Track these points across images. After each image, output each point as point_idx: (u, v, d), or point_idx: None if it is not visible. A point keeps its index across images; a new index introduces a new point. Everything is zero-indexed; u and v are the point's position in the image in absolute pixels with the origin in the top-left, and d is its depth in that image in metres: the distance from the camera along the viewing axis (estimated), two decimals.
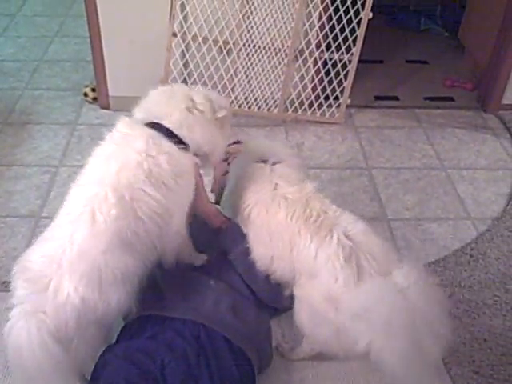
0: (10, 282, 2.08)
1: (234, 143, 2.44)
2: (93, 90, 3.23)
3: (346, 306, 1.56)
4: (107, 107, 3.22)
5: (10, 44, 3.88)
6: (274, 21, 2.87)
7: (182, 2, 2.80)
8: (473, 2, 3.85)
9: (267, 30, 2.90)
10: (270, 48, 2.95)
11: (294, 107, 3.13)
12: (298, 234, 1.66)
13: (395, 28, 4.28)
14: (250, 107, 3.11)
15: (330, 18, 2.90)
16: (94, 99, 3.24)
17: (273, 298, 1.86)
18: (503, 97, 3.35)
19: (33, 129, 3.05)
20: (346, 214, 1.72)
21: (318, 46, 2.96)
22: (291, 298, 1.77)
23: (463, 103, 3.49)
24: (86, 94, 3.24)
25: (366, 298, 1.54)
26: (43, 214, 2.51)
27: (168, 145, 1.61)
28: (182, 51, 2.93)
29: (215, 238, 1.92)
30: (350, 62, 3.01)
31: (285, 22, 2.88)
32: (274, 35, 2.91)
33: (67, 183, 2.63)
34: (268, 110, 3.11)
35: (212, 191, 2.20)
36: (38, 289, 1.47)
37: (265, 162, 1.89)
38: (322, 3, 2.85)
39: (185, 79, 2.99)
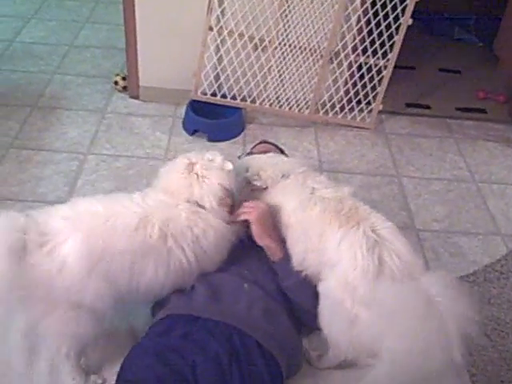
0: None
1: (260, 143, 2.41)
2: (123, 78, 3.21)
3: (363, 296, 1.58)
4: (137, 97, 3.20)
5: (41, 27, 3.87)
6: (312, 21, 2.83)
7: None
8: (510, 13, 3.79)
9: (304, 29, 2.86)
10: (305, 48, 2.91)
11: (325, 109, 3.09)
12: (328, 224, 1.71)
13: (428, 35, 4.23)
14: (280, 106, 3.07)
15: (368, 22, 2.86)
16: (124, 88, 3.22)
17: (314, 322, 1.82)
18: None
19: (62, 114, 3.04)
20: (375, 213, 1.75)
21: (354, 49, 2.92)
22: None
23: (495, 116, 3.44)
24: (116, 83, 3.22)
25: (392, 297, 1.53)
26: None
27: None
28: (217, 46, 2.90)
29: (258, 248, 1.89)
30: (385, 67, 2.97)
31: (323, 23, 2.83)
32: (311, 36, 2.87)
33: (95, 172, 2.69)
34: (299, 110, 3.08)
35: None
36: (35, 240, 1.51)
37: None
38: (361, 6, 2.80)
39: (218, 74, 2.96)
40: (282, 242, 1.84)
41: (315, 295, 1.77)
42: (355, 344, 1.69)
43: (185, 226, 1.67)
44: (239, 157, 2.28)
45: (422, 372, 1.53)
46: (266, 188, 1.91)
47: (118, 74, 3.24)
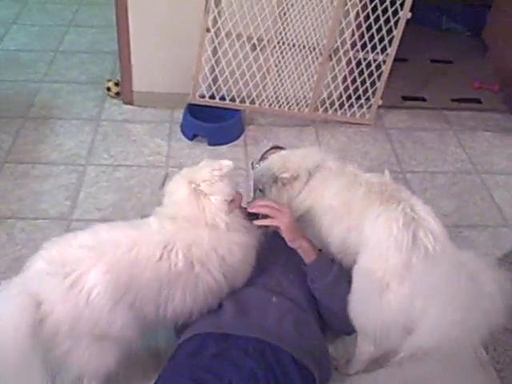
0: None
1: (272, 148, 2.35)
2: (116, 84, 3.12)
3: (395, 267, 1.57)
4: (131, 103, 3.12)
5: (23, 33, 3.74)
6: (311, 18, 2.77)
7: None
8: (498, 3, 3.80)
9: (303, 27, 2.80)
10: (304, 46, 2.86)
11: (324, 107, 3.05)
12: (370, 203, 1.71)
13: (417, 26, 4.20)
14: (280, 106, 3.02)
15: (367, 17, 2.82)
16: (117, 94, 3.13)
17: (341, 325, 1.81)
18: None
19: (55, 124, 2.93)
20: (416, 198, 1.75)
21: (353, 45, 2.88)
22: None
23: (490, 105, 3.45)
24: (108, 89, 3.12)
25: (430, 272, 1.51)
26: (74, 217, 2.40)
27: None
28: (215, 47, 2.82)
29: (281, 254, 1.85)
30: (384, 62, 2.94)
31: (321, 20, 2.78)
32: (310, 33, 2.82)
33: (96, 183, 2.60)
34: (298, 109, 3.03)
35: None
36: (57, 271, 1.45)
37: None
38: (360, 1, 2.76)
39: (216, 76, 2.89)
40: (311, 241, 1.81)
41: (345, 297, 1.72)
42: (386, 320, 1.62)
43: (209, 248, 1.61)
44: (252, 163, 2.22)
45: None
46: (296, 178, 1.86)
47: (109, 80, 3.14)
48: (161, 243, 1.56)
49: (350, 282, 1.71)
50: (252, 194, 2.09)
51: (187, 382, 1.49)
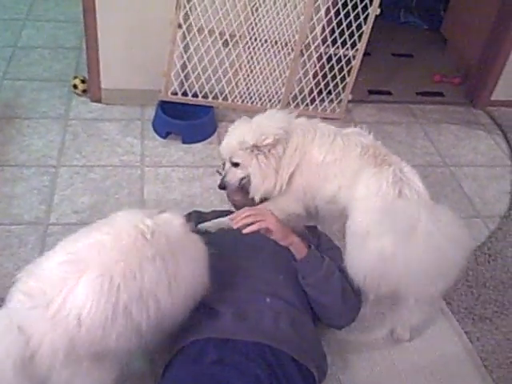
0: None
1: None
2: (82, 81, 3.02)
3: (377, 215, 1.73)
4: (99, 100, 3.03)
5: None
6: (283, 14, 2.77)
7: None
8: None
9: (275, 23, 2.80)
10: (276, 42, 2.86)
11: (296, 102, 3.07)
12: (365, 164, 1.86)
13: (376, 19, 4.27)
14: (252, 102, 3.01)
15: (337, 13, 2.84)
16: (84, 91, 3.03)
17: (333, 318, 1.86)
18: (492, 94, 3.44)
19: (21, 124, 2.82)
20: (404, 162, 1.92)
21: (324, 40, 2.91)
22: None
23: (453, 98, 3.56)
24: (75, 86, 3.02)
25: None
26: (51, 221, 2.33)
27: None
28: (187, 44, 2.78)
29: (269, 256, 1.85)
30: (354, 57, 2.98)
31: (293, 16, 2.79)
32: (282, 29, 2.82)
33: (70, 186, 2.52)
34: (271, 105, 3.03)
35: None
36: (38, 303, 1.33)
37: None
38: None
39: (188, 73, 2.85)
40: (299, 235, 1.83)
41: (336, 291, 1.79)
42: (369, 265, 1.76)
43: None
44: (218, 171, 2.21)
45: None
46: (278, 141, 1.90)
47: (76, 77, 3.04)
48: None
49: (338, 274, 1.79)
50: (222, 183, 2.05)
51: None
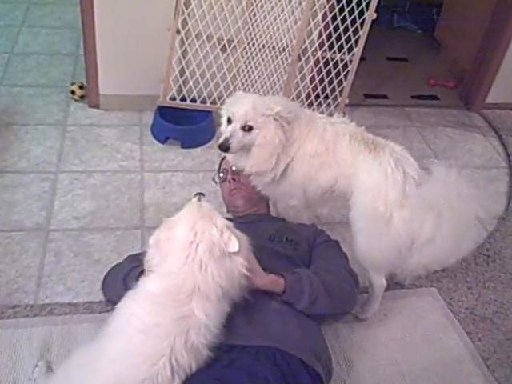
0: (32, 306, 1.97)
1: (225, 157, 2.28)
2: (80, 87, 3.02)
3: (395, 199, 1.83)
4: (97, 106, 3.04)
5: None
6: (280, 19, 2.79)
7: None
8: (450, 1, 3.95)
9: (273, 29, 2.82)
10: (274, 47, 2.88)
11: None
12: (359, 152, 1.92)
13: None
14: None
15: (333, 18, 2.87)
16: (82, 97, 3.04)
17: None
18: (487, 96, 3.48)
19: (19, 130, 2.81)
20: (390, 141, 2.02)
21: (321, 45, 2.93)
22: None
23: (447, 101, 3.60)
24: (73, 92, 3.02)
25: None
26: (52, 227, 2.32)
27: None
28: (185, 49, 2.79)
29: (271, 260, 1.83)
30: (350, 61, 3.00)
31: (290, 22, 2.81)
32: (279, 34, 2.84)
33: (70, 191, 2.52)
34: None
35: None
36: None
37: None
38: (327, 3, 2.81)
39: (186, 78, 2.86)
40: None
41: (328, 303, 1.74)
42: (396, 245, 1.87)
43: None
44: (213, 179, 2.23)
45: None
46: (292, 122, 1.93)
47: (73, 83, 3.04)
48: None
49: (324, 283, 1.72)
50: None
51: None
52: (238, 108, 1.91)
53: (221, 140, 1.93)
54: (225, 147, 1.92)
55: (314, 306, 1.72)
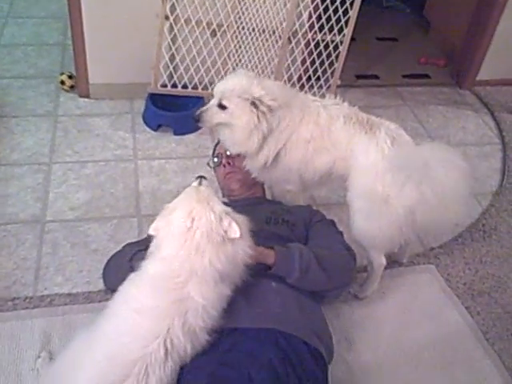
0: (31, 298, 1.97)
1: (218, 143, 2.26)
2: (70, 77, 2.99)
3: (391, 180, 1.82)
4: (87, 95, 3.01)
5: None
6: (269, 2, 2.77)
7: None
8: None
9: (262, 11, 2.79)
10: (264, 30, 2.85)
11: None
12: (355, 133, 1.92)
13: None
14: None
15: None
16: (71, 87, 3.01)
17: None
18: (478, 73, 3.47)
19: (10, 122, 2.79)
20: (383, 120, 2.02)
21: (312, 27, 2.91)
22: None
23: (439, 80, 3.59)
24: (62, 82, 2.99)
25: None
26: (48, 218, 2.31)
27: None
28: (174, 35, 2.76)
29: (275, 239, 1.83)
30: (341, 42, 2.99)
31: (280, 4, 2.79)
32: (269, 17, 2.81)
33: (64, 182, 2.51)
34: None
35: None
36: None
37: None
38: None
39: (177, 64, 2.84)
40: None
41: (320, 276, 1.75)
42: (396, 223, 1.88)
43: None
44: (208, 163, 2.23)
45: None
46: (276, 110, 1.90)
47: (62, 73, 3.01)
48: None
49: (316, 254, 1.74)
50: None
51: (206, 378, 1.48)
52: (219, 85, 1.95)
53: (197, 111, 1.97)
54: (197, 117, 1.96)
55: (306, 277, 1.72)
